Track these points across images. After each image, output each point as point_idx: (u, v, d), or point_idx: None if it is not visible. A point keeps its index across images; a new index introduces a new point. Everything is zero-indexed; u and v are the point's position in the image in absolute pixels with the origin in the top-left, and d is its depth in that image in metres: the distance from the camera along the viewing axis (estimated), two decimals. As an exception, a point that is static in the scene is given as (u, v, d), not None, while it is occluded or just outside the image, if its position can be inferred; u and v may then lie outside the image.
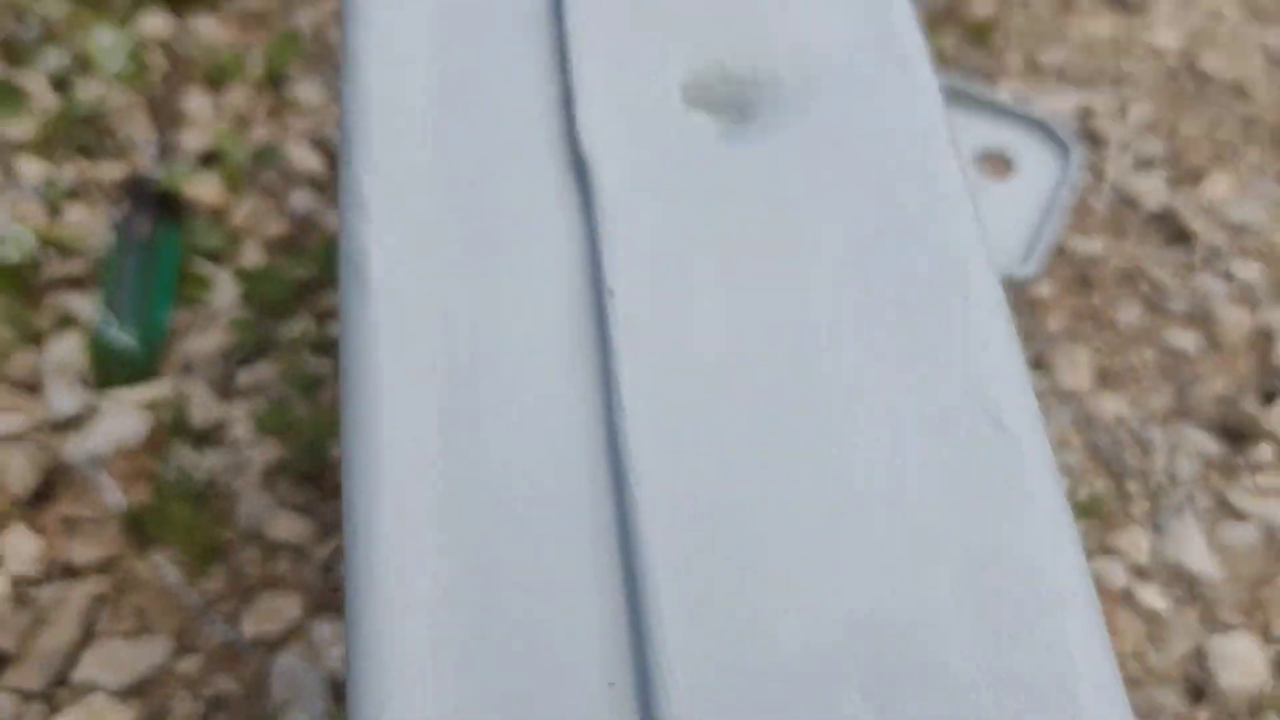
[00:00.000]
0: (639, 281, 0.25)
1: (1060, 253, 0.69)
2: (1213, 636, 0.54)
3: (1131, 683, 0.53)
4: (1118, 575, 0.56)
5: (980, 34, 0.81)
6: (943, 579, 0.22)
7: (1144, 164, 0.75)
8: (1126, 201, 0.73)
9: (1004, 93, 0.79)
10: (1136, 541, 0.57)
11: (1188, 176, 0.74)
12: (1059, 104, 0.78)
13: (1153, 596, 0.55)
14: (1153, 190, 0.73)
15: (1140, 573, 0.56)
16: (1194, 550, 0.57)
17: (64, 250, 0.65)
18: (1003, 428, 0.24)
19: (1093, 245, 0.70)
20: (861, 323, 0.25)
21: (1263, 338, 0.66)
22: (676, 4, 0.30)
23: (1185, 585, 0.56)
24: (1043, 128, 0.60)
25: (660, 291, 0.25)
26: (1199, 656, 0.54)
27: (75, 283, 0.64)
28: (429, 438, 0.23)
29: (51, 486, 0.57)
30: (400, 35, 0.29)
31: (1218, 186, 0.74)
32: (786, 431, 0.23)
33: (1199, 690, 0.53)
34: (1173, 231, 0.71)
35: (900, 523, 0.22)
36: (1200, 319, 0.67)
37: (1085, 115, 0.77)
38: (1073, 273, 0.68)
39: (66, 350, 0.61)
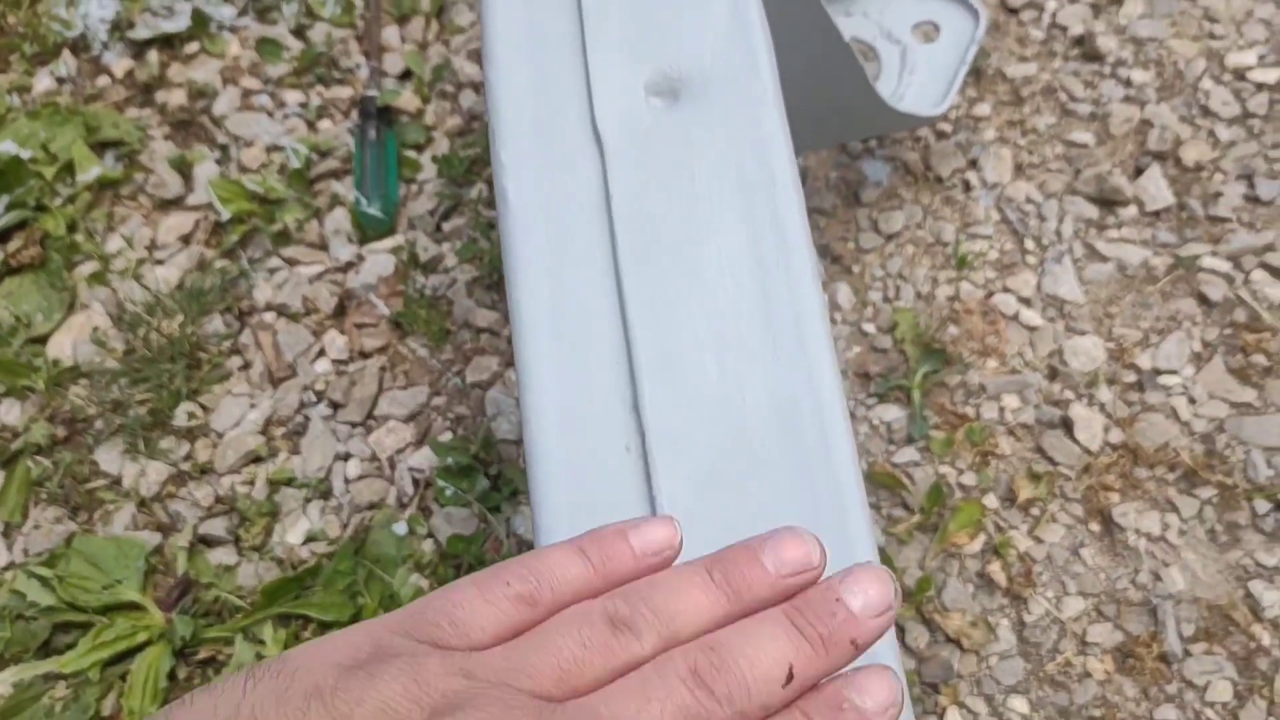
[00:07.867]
0: (625, 185, 0.57)
1: (1001, 77, 0.95)
2: (1070, 339, 0.83)
3: (1011, 371, 0.83)
4: (1010, 304, 0.85)
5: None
6: (749, 314, 0.54)
7: (1075, -3, 0.99)
8: (1059, 29, 0.97)
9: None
10: (1027, 281, 0.86)
11: (1110, 2, 0.98)
12: (1015, -46, 1.01)
13: (1032, 316, 0.84)
14: (1078, 17, 0.97)
15: (1026, 302, 0.85)
16: (1066, 283, 0.85)
17: (323, 153, 1.00)
18: (785, 241, 0.55)
19: (1028, 68, 0.95)
20: (723, 195, 0.56)
21: (1144, 127, 0.91)
22: (638, 39, 0.60)
23: (1056, 308, 0.85)
24: (961, 1, 0.86)
25: (636, 188, 0.57)
26: (1060, 352, 0.83)
27: (334, 174, 0.99)
28: (543, 269, 0.56)
29: (344, 306, 0.94)
30: (513, 60, 0.61)
31: (1133, 7, 0.97)
32: (678, 246, 0.55)
33: (1055, 372, 0.82)
34: (1089, 50, 0.95)
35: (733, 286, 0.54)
36: (1099, 118, 0.92)
37: (1035, -40, 1.01)
38: (1008, 91, 0.94)
39: (338, 220, 0.97)
